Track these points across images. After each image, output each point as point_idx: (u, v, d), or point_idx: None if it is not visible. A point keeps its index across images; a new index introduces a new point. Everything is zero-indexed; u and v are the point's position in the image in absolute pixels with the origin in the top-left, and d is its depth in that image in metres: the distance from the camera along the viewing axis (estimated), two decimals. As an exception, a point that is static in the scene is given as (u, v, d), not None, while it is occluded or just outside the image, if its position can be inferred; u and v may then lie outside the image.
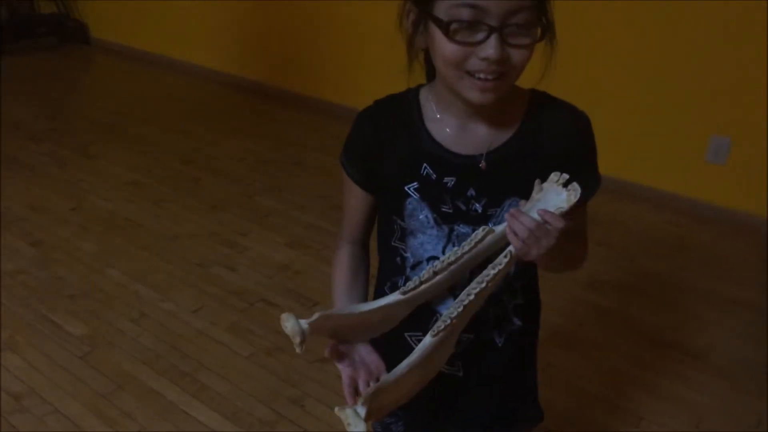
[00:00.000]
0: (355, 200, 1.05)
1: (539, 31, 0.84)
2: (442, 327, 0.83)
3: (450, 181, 0.94)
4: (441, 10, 0.82)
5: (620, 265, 2.77)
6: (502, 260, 0.84)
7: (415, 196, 0.96)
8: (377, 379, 0.85)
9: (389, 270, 1.05)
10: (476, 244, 0.86)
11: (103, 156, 3.65)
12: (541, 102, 0.96)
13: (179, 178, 3.43)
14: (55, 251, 2.76)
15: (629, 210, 3.21)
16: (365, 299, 1.03)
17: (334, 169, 3.60)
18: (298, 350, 0.81)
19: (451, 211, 0.95)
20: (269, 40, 4.55)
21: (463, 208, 0.94)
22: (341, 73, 4.23)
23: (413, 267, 1.00)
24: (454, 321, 0.83)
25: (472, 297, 0.83)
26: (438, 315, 1.00)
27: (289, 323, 0.80)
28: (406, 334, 1.02)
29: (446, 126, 0.95)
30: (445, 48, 0.83)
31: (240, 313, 2.41)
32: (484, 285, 0.84)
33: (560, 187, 0.85)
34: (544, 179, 0.87)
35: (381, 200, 1.03)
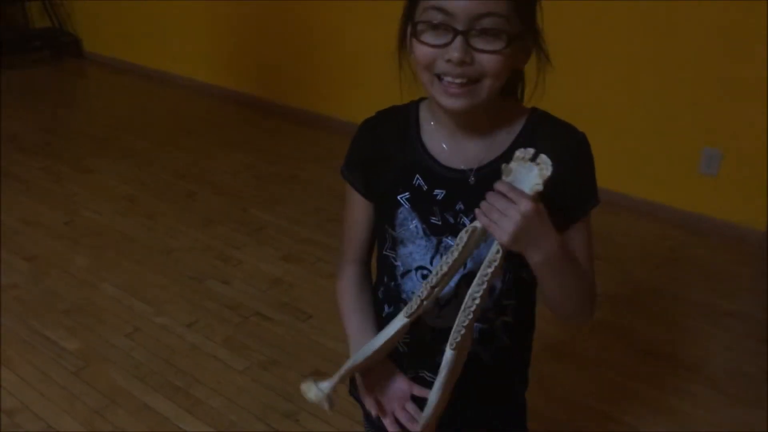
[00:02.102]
0: (359, 212, 1.06)
1: (508, 39, 0.83)
2: (459, 338, 0.84)
3: (440, 193, 0.95)
4: (417, 14, 0.86)
5: (614, 278, 2.78)
6: (495, 256, 0.83)
7: (407, 205, 0.98)
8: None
9: (382, 276, 1.07)
10: (463, 248, 0.85)
11: (97, 170, 3.65)
12: (538, 121, 0.95)
13: (173, 192, 3.43)
14: (49, 265, 2.75)
15: (623, 222, 3.23)
16: (374, 312, 1.06)
17: (328, 182, 3.61)
18: (330, 412, 0.89)
19: (439, 223, 0.96)
20: (264, 54, 4.57)
21: (452, 221, 0.95)
22: (336, 86, 4.25)
23: (403, 275, 1.01)
24: (468, 330, 0.85)
25: (477, 300, 0.83)
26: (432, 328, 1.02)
27: (310, 393, 0.85)
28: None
29: (440, 139, 0.97)
30: (416, 50, 0.87)
31: (234, 327, 2.41)
32: (485, 285, 0.83)
33: (529, 163, 0.82)
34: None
35: (376, 208, 1.04)
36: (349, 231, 1.09)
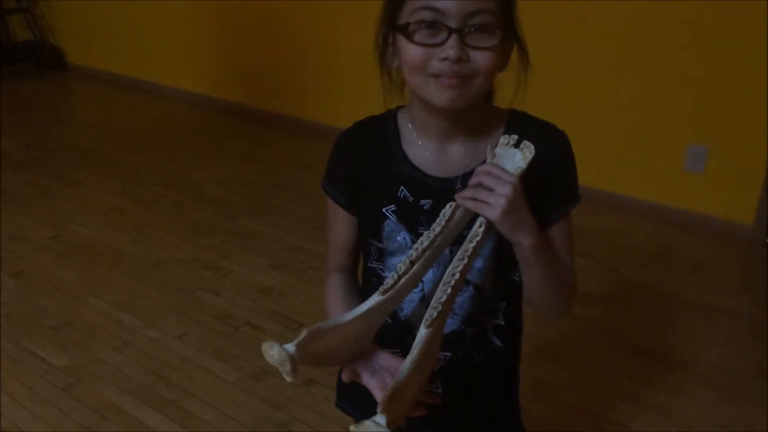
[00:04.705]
0: (342, 225, 1.04)
1: (501, 35, 0.85)
2: (435, 315, 0.79)
3: (426, 203, 0.95)
4: (403, 17, 0.85)
5: (604, 277, 2.79)
6: (478, 231, 0.82)
7: (393, 218, 0.97)
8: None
9: (370, 289, 1.04)
10: (447, 222, 0.83)
11: (83, 183, 3.62)
12: (518, 122, 0.95)
13: (162, 203, 3.41)
14: (36, 281, 2.73)
15: (611, 221, 3.24)
16: None
17: (317, 189, 3.56)
18: (289, 379, 0.74)
19: None
20: (250, 62, 4.56)
21: None
22: (324, 93, 4.24)
23: None
24: (445, 306, 0.80)
25: (457, 276, 0.80)
26: (415, 330, 1.00)
27: (273, 351, 0.71)
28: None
29: (423, 148, 0.96)
30: (408, 52, 0.85)
31: (225, 338, 2.40)
32: (465, 261, 0.81)
33: (512, 148, 0.85)
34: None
35: (360, 222, 1.03)
36: (333, 242, 1.08)
